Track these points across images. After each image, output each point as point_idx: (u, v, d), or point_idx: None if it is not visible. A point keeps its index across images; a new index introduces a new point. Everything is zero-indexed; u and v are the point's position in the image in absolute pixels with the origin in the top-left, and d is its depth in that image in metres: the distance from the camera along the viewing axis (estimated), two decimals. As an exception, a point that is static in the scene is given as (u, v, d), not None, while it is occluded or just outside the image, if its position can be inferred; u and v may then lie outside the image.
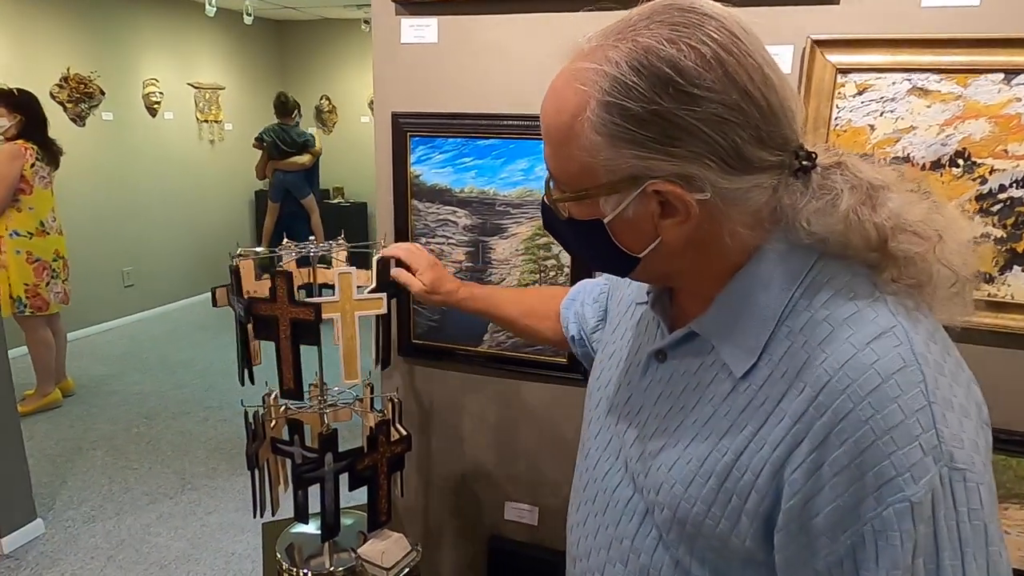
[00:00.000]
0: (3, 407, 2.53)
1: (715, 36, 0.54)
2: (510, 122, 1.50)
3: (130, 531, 2.68)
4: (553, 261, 1.57)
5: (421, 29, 1.56)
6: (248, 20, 5.52)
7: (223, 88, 6.22)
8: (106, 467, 3.16)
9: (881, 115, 1.28)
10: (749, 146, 0.56)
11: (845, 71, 1.28)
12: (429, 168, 1.60)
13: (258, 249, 1.34)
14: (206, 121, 6.10)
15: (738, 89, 0.54)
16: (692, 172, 0.56)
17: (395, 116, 1.60)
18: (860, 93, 1.28)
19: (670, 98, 0.54)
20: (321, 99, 6.93)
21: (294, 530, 1.62)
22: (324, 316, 1.24)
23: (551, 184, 0.66)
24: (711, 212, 0.59)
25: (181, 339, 5.02)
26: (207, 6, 5.10)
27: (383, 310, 1.31)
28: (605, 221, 0.61)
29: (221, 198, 6.31)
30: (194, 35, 5.86)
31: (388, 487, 1.43)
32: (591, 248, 0.65)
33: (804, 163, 0.59)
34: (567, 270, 1.56)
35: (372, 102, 6.82)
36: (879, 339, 0.55)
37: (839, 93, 1.29)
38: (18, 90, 3.44)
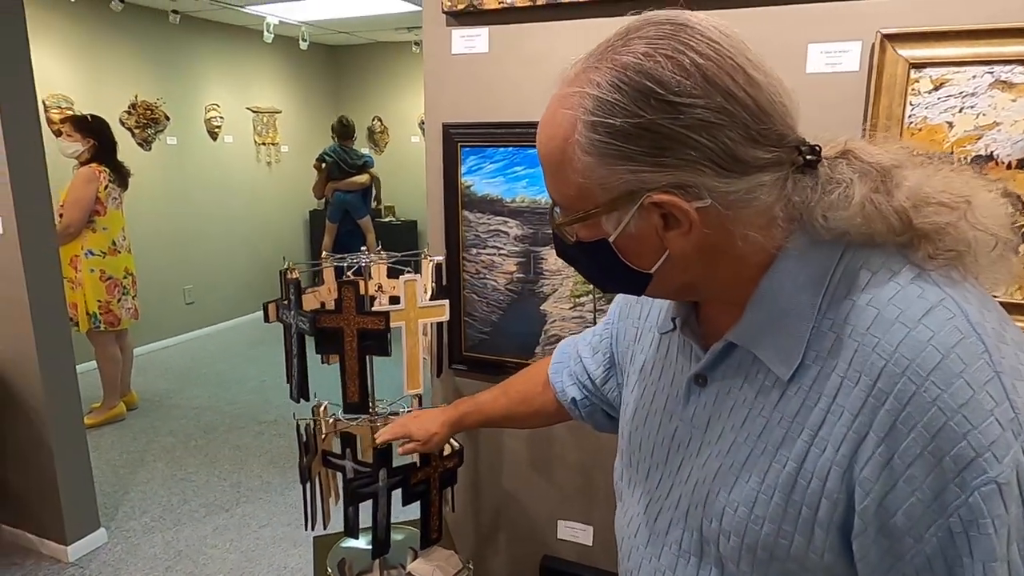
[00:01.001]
0: (71, 420, 2.62)
1: (691, 44, 0.54)
2: (562, 130, 1.48)
3: (187, 542, 2.73)
4: (607, 271, 1.52)
5: (472, 39, 1.55)
6: (304, 46, 5.70)
7: (280, 112, 6.42)
8: (165, 479, 3.24)
9: (960, 111, 1.20)
10: (741, 147, 0.54)
11: (919, 66, 1.21)
12: (480, 178, 1.59)
13: (307, 262, 1.34)
14: (263, 144, 6.30)
15: (720, 92, 0.53)
16: (687, 180, 0.55)
17: (446, 127, 1.60)
18: (936, 88, 1.21)
19: (652, 109, 0.53)
20: (373, 120, 7.08)
21: (345, 544, 1.60)
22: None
23: (556, 211, 0.65)
24: (716, 218, 0.57)
25: (237, 355, 5.15)
26: (265, 33, 5.30)
27: (446, 317, 1.29)
28: (610, 240, 0.60)
29: (277, 218, 6.49)
30: (253, 61, 6.09)
31: (439, 503, 1.40)
32: (602, 269, 0.64)
33: (808, 157, 0.57)
34: (621, 280, 1.51)
35: (423, 122, 6.95)
36: (930, 314, 0.53)
37: (913, 89, 1.22)
38: (91, 116, 3.62)
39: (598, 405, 0.98)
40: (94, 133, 3.54)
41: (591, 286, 1.55)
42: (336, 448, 1.35)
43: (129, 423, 3.87)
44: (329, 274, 1.39)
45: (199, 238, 5.64)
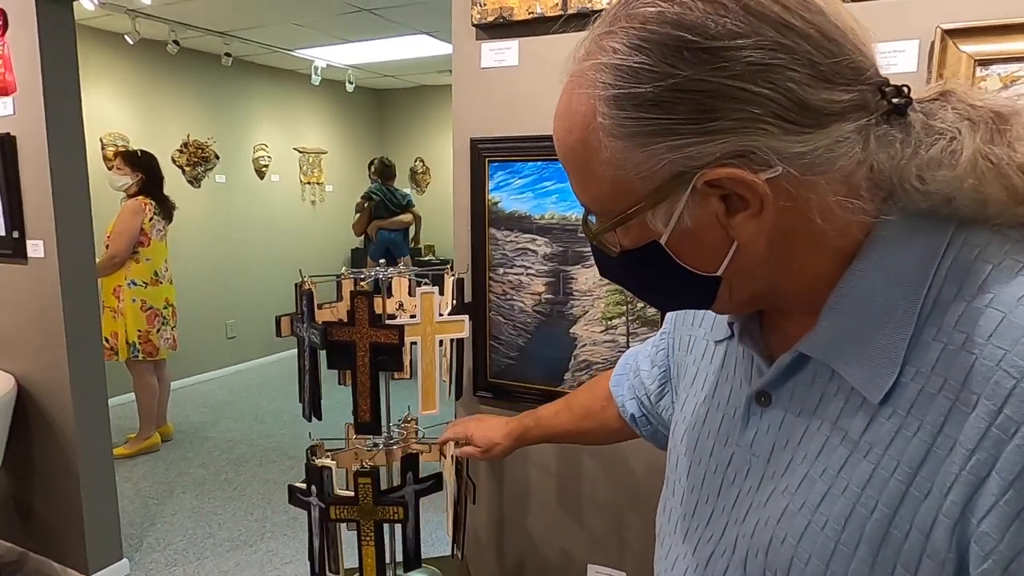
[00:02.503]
0: (100, 449, 2.60)
1: None
2: (593, 142, 1.41)
3: (208, 577, 2.65)
4: (641, 291, 1.42)
5: (502, 52, 1.51)
6: (350, 88, 5.85)
7: (325, 152, 6.58)
8: (193, 511, 3.19)
9: (1035, 110, 1.08)
10: (811, 89, 0.43)
11: (986, 62, 1.10)
12: (508, 194, 1.52)
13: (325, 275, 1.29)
14: (309, 183, 6.44)
15: (772, 23, 0.42)
16: (747, 145, 0.43)
17: (473, 142, 1.55)
18: (1006, 87, 1.09)
19: (688, 64, 0.42)
20: (415, 161, 7.19)
21: (357, 581, 1.50)
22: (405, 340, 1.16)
23: (591, 219, 0.54)
24: (790, 191, 0.45)
25: (274, 390, 5.15)
26: (313, 76, 5.46)
27: (465, 333, 1.21)
28: (662, 241, 0.48)
29: (320, 256, 6.58)
30: (301, 103, 6.28)
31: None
32: (658, 281, 0.52)
33: (894, 100, 0.45)
34: (657, 301, 1.41)
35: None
36: None
37: (979, 88, 1.11)
38: (140, 151, 3.74)
39: (656, 426, 0.85)
40: (142, 167, 3.65)
41: (624, 307, 1.45)
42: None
43: (162, 454, 3.86)
44: (347, 289, 1.32)
45: (243, 274, 5.74)
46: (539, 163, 1.48)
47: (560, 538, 1.63)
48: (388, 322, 1.15)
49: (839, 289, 0.48)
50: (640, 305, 1.43)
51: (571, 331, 1.51)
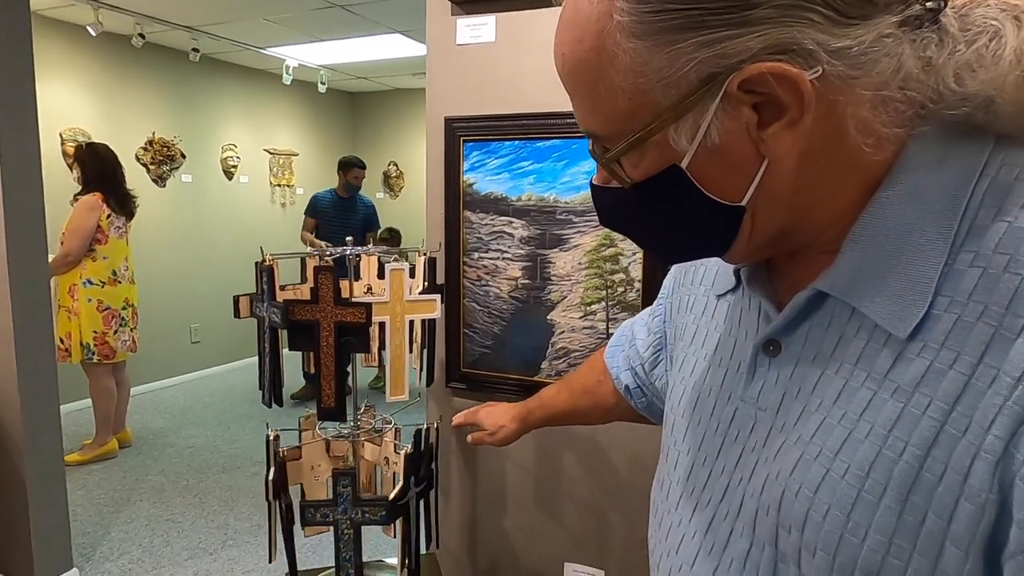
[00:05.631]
0: (49, 456, 2.46)
1: None
2: (572, 120, 1.35)
3: (165, 588, 2.51)
4: (621, 275, 1.37)
5: (478, 28, 1.46)
6: (322, 89, 5.76)
7: (297, 154, 6.46)
8: (150, 519, 3.04)
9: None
10: None
11: None
12: (483, 175, 1.46)
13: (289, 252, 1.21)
14: (279, 185, 6.30)
15: None
16: (790, 38, 0.38)
17: (448, 121, 1.49)
18: None
19: None
20: (389, 165, 7.11)
21: (323, 584, 1.41)
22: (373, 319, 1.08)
23: (598, 150, 0.48)
24: (829, 96, 0.40)
25: (241, 396, 4.99)
26: (284, 76, 5.36)
27: (436, 313, 1.14)
28: (683, 164, 0.43)
29: (289, 260, 6.44)
30: (271, 103, 6.15)
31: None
32: (672, 218, 0.47)
33: (928, 3, 0.40)
34: (638, 285, 1.36)
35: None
36: None
37: None
38: (87, 144, 3.63)
39: (651, 396, 0.80)
40: (81, 160, 3.52)
41: (604, 292, 1.39)
42: (310, 471, 1.18)
43: (119, 461, 3.70)
44: (312, 268, 1.24)
45: (209, 277, 5.58)
46: (516, 143, 1.42)
47: (536, 537, 1.56)
48: (354, 299, 1.07)
49: (863, 218, 0.44)
50: (620, 289, 1.37)
51: (548, 318, 1.45)
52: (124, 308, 3.63)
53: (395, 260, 1.14)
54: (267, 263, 1.11)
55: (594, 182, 0.51)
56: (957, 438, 0.38)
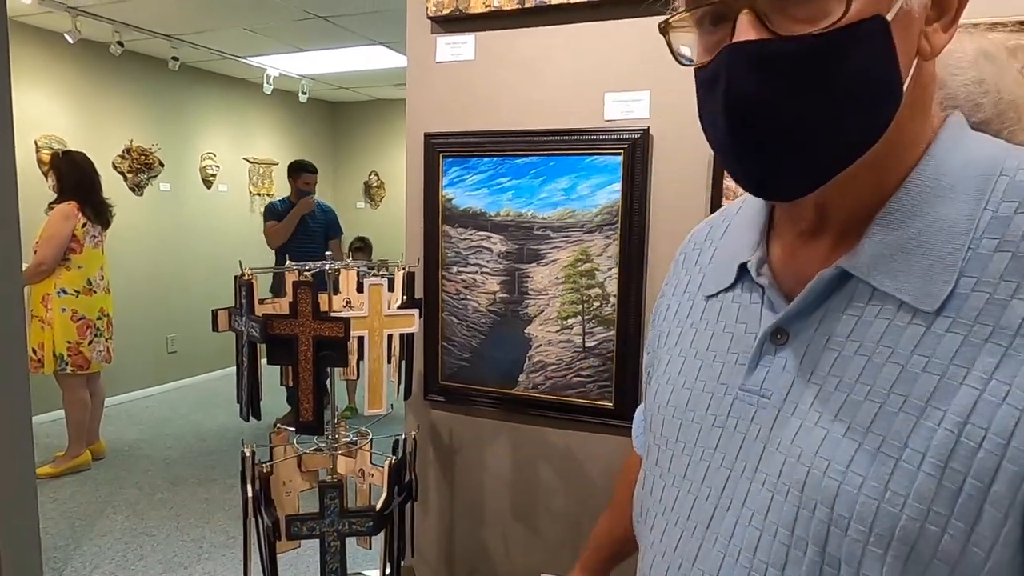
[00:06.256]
0: (21, 469, 2.42)
1: None
2: (550, 138, 1.39)
3: (138, 603, 2.48)
4: (597, 290, 1.40)
5: (458, 47, 1.48)
6: (303, 98, 5.75)
7: (276, 163, 6.43)
8: (124, 533, 3.00)
9: None
10: None
11: None
12: (462, 191, 1.49)
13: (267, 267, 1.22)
14: (258, 194, 6.27)
15: None
16: None
17: (427, 137, 1.51)
18: None
19: None
20: (370, 175, 7.10)
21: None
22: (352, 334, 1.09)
23: None
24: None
25: (217, 408, 4.93)
26: (265, 84, 5.35)
27: (415, 328, 1.15)
28: (889, 17, 0.42)
29: (264, 273, 6.40)
30: (251, 112, 6.13)
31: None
32: (853, 81, 0.42)
33: None
34: (613, 299, 1.39)
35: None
36: None
37: None
38: (62, 152, 3.60)
39: None
40: (55, 168, 3.49)
41: (580, 307, 1.42)
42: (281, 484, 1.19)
43: (93, 473, 3.64)
44: (291, 283, 1.25)
45: (186, 287, 5.52)
46: (495, 159, 1.45)
47: (513, 547, 1.57)
48: (333, 314, 1.09)
49: (896, 199, 0.47)
50: (596, 304, 1.40)
51: (526, 331, 1.47)
52: (99, 318, 3.58)
53: (374, 275, 1.15)
54: (246, 277, 1.11)
55: (749, 38, 0.43)
56: (997, 404, 0.40)
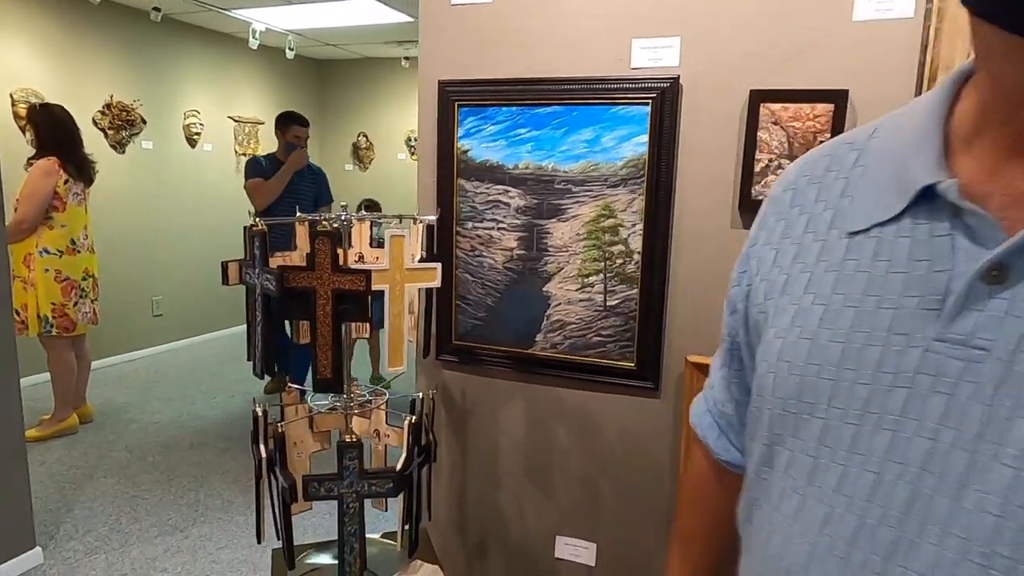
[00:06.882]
0: (10, 431, 2.35)
1: None
2: (573, 86, 1.32)
3: (133, 565, 2.44)
4: (621, 247, 1.35)
5: (474, -12, 1.40)
6: (290, 55, 5.57)
7: (263, 123, 6.25)
8: (116, 496, 2.95)
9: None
10: None
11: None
12: (479, 142, 1.42)
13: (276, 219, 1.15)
14: (244, 154, 6.10)
15: None
16: None
17: (442, 85, 1.43)
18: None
19: None
20: (359, 136, 6.94)
21: (311, 560, 1.38)
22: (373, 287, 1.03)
23: None
24: None
25: (206, 370, 4.87)
26: (250, 39, 5.15)
27: (437, 282, 1.10)
28: None
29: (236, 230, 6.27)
30: (236, 69, 5.93)
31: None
32: None
33: None
34: (637, 256, 1.34)
35: (409, 139, 6.82)
36: None
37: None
38: (39, 104, 3.44)
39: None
40: (33, 122, 3.35)
41: (602, 264, 1.37)
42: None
43: (80, 437, 3.57)
44: (302, 234, 1.19)
45: (171, 247, 5.39)
46: (514, 108, 1.37)
47: (527, 510, 1.55)
48: (354, 266, 1.03)
49: None
50: (619, 261, 1.35)
51: (544, 289, 1.42)
52: (84, 279, 3.48)
53: (395, 226, 1.09)
54: (259, 227, 1.05)
55: None
56: None
